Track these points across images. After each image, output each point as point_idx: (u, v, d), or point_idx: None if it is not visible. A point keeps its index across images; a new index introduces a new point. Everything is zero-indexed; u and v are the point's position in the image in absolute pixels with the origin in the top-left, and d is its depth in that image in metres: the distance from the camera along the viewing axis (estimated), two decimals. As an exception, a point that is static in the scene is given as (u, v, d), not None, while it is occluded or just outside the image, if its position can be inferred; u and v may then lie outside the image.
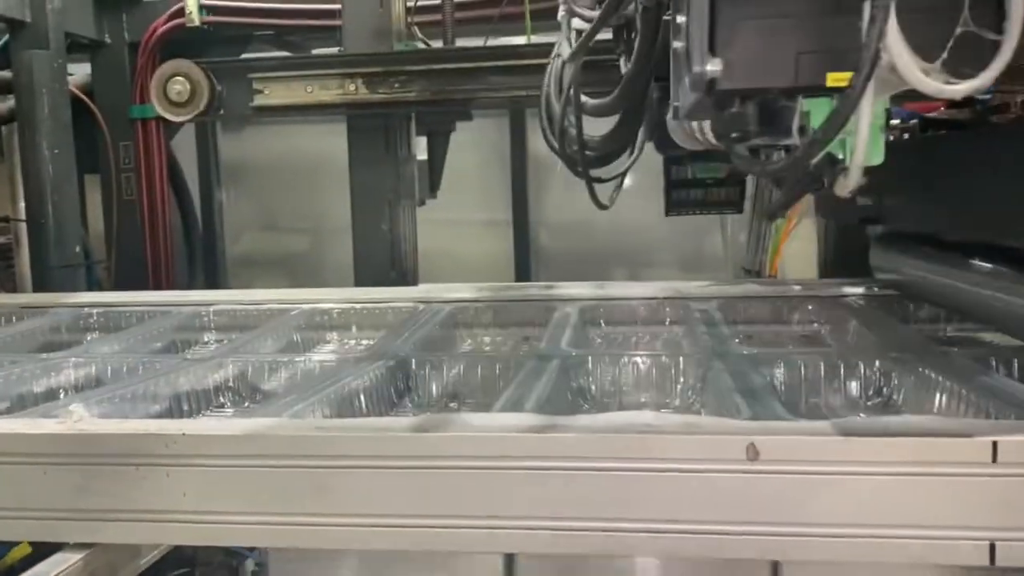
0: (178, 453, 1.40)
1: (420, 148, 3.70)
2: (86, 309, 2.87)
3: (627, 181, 2.60)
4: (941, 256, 2.17)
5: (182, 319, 2.71)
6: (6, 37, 3.80)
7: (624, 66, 1.92)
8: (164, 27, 4.06)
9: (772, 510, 1.25)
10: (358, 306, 2.73)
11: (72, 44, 3.98)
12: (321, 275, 4.92)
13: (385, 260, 3.53)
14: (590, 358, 2.02)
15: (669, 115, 1.66)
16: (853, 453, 1.23)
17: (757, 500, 1.25)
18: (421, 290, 3.00)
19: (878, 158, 1.14)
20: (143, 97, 4.13)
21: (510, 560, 1.44)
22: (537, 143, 4.36)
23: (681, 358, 1.99)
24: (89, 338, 2.69)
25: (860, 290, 2.59)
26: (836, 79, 1.08)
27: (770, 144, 1.24)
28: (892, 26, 1.01)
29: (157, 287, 4.20)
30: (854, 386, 1.89)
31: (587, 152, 2.25)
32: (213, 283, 4.95)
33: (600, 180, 2.41)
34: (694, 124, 1.72)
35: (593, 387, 1.99)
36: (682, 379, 1.96)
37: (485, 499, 1.34)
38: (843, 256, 3.17)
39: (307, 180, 5.08)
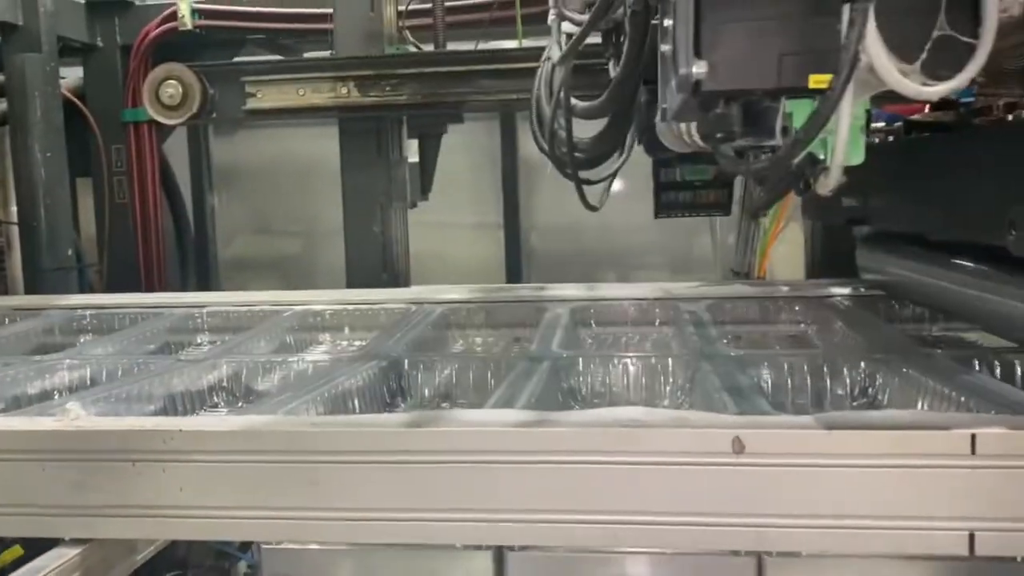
0: (175, 449, 1.42)
1: (412, 151, 3.72)
2: (79, 311, 2.88)
3: (617, 183, 2.63)
4: (926, 256, 2.21)
5: (175, 321, 2.73)
6: (-2, 40, 3.82)
7: (613, 69, 1.95)
8: (156, 31, 4.08)
9: (757, 502, 1.28)
10: (350, 307, 2.75)
11: (64, 47, 3.99)
12: (313, 278, 4.94)
13: (377, 262, 3.54)
14: (580, 359, 2.05)
15: (657, 117, 1.68)
16: (836, 446, 1.26)
17: (743, 492, 1.28)
18: (413, 292, 3.03)
19: (858, 157, 1.17)
20: (135, 100, 4.14)
21: (500, 555, 1.46)
22: (528, 146, 4.39)
23: (670, 359, 2.02)
24: (83, 340, 2.71)
25: (846, 291, 2.63)
26: (817, 81, 1.11)
27: (754, 144, 1.27)
28: (871, 29, 1.04)
29: (149, 290, 4.21)
30: (840, 386, 1.92)
31: (577, 154, 2.28)
32: (205, 286, 4.95)
33: (589, 182, 2.44)
34: (682, 126, 1.74)
35: (583, 387, 2.02)
36: (671, 379, 1.98)
37: (476, 493, 1.36)
38: (830, 257, 3.21)
39: (299, 183, 5.09)
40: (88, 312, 2.86)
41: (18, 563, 2.24)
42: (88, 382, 2.15)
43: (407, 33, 3.64)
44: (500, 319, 2.64)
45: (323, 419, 1.61)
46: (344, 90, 3.35)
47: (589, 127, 2.24)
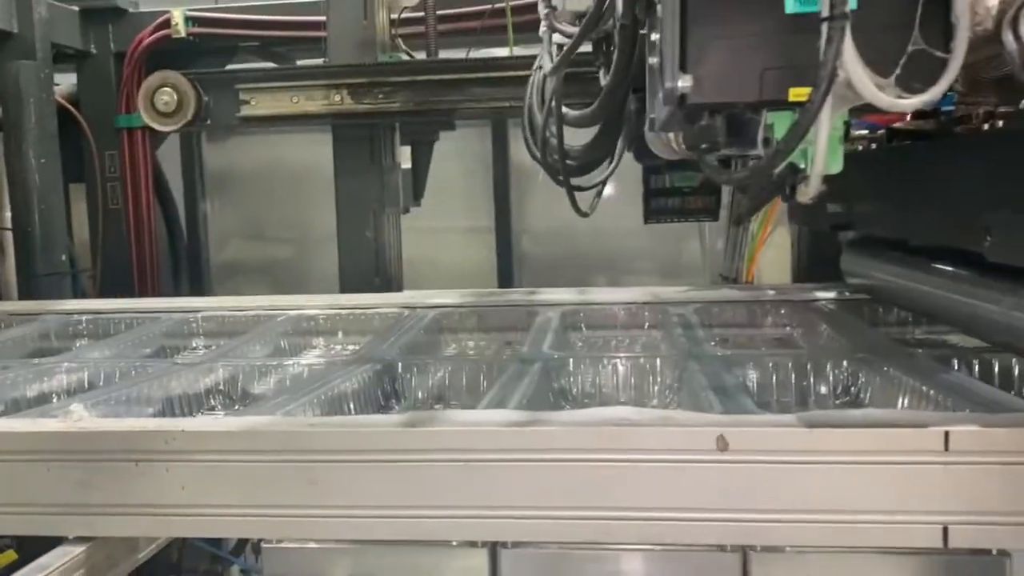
0: (177, 449, 1.46)
1: (404, 157, 3.75)
2: (75, 316, 2.91)
3: (608, 189, 2.68)
4: (908, 261, 2.26)
5: (171, 325, 2.76)
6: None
7: (603, 78, 2.00)
8: (150, 38, 4.10)
9: (742, 498, 1.33)
10: (344, 312, 2.78)
11: (58, 54, 4.02)
12: (306, 283, 4.96)
13: (370, 267, 3.57)
14: (571, 360, 2.09)
15: (646, 126, 1.73)
16: (816, 443, 1.31)
17: (727, 488, 1.33)
18: (406, 296, 3.05)
19: (837, 167, 1.22)
20: (129, 107, 4.17)
21: (494, 552, 1.50)
22: (519, 152, 4.45)
23: (658, 359, 2.06)
24: (79, 344, 2.74)
25: (831, 294, 2.67)
26: (797, 94, 1.16)
27: (738, 154, 1.32)
28: (848, 45, 1.09)
29: (142, 295, 4.24)
30: (823, 385, 1.97)
31: (568, 161, 2.32)
32: (198, 291, 4.97)
33: (580, 188, 2.48)
34: (670, 135, 1.79)
35: (574, 388, 2.06)
36: (659, 379, 2.03)
37: (470, 491, 1.40)
38: (816, 262, 3.26)
39: (291, 189, 5.12)
40: (84, 317, 2.89)
41: (12, 568, 2.27)
42: (86, 386, 2.18)
43: (400, 41, 3.68)
44: (492, 323, 2.68)
45: (321, 420, 1.65)
46: (337, 97, 3.38)
47: (580, 135, 2.29)
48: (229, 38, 4.07)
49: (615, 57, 1.68)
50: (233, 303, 2.98)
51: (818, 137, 1.15)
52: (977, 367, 1.91)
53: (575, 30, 1.81)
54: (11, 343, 2.64)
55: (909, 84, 1.16)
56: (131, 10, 4.31)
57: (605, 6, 1.63)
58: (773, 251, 3.68)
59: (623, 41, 1.60)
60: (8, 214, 4.07)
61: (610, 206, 3.16)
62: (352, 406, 1.93)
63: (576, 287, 3.02)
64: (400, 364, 2.15)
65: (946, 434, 1.27)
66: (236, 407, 2.12)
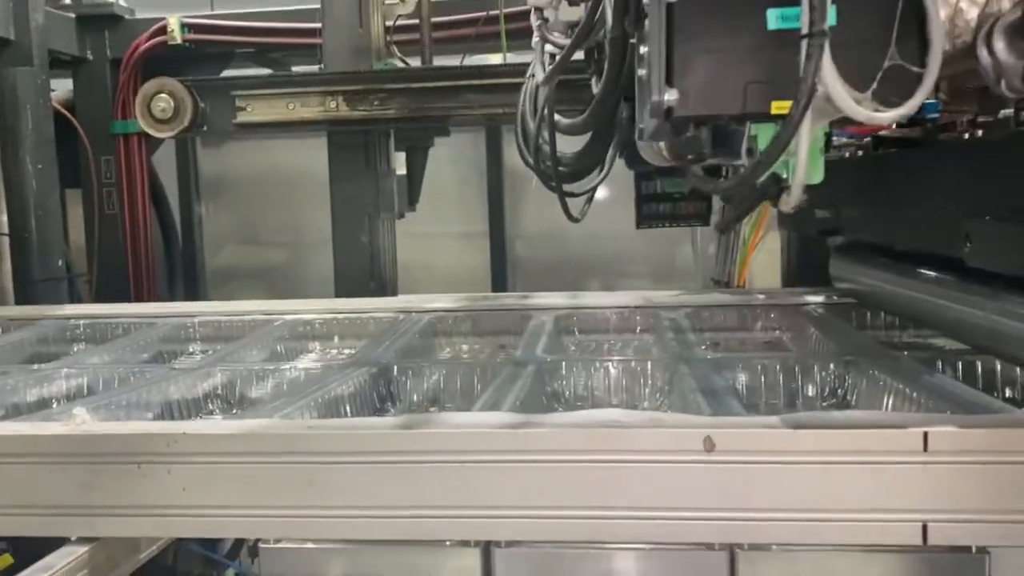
0: (179, 451, 1.49)
1: (399, 163, 3.78)
2: (72, 321, 2.93)
3: (601, 195, 2.71)
4: (894, 266, 2.30)
5: (168, 330, 2.78)
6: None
7: (595, 85, 2.03)
8: (146, 44, 4.15)
9: (728, 497, 1.37)
10: (340, 316, 2.81)
11: (54, 60, 4.05)
12: (301, 288, 4.98)
13: (365, 272, 3.60)
14: (564, 364, 2.12)
15: (636, 135, 1.77)
16: (800, 444, 1.35)
17: (713, 488, 1.36)
18: (401, 301, 3.08)
19: (818, 177, 1.26)
20: (125, 113, 4.21)
21: (488, 551, 1.53)
22: (513, 158, 4.47)
23: (649, 362, 2.09)
24: (76, 349, 2.76)
25: (820, 299, 2.72)
26: (779, 107, 1.20)
27: (723, 164, 1.36)
28: (827, 61, 1.14)
29: (138, 300, 4.27)
30: (811, 388, 2.01)
31: (561, 168, 2.36)
32: (193, 296, 5.01)
33: (573, 194, 2.52)
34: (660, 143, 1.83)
35: (567, 391, 2.09)
36: (650, 382, 2.06)
37: (465, 491, 1.44)
38: (805, 266, 3.30)
39: (287, 194, 5.16)
40: (82, 322, 2.91)
41: (9, 571, 2.29)
42: (85, 390, 2.20)
43: (394, 48, 3.71)
44: (486, 327, 2.72)
45: (319, 422, 1.68)
46: (333, 104, 3.41)
47: (573, 142, 2.32)
48: (225, 45, 4.11)
49: (606, 68, 1.72)
50: (229, 308, 3.01)
51: (799, 148, 1.19)
52: (961, 369, 1.95)
53: (567, 41, 1.85)
54: (9, 348, 2.66)
55: (886, 98, 1.20)
56: (127, 17, 4.35)
57: (596, 18, 1.67)
58: (765, 254, 3.72)
59: (613, 52, 1.64)
60: (5, 219, 4.10)
61: (603, 211, 3.21)
62: (348, 409, 1.96)
63: (569, 291, 3.06)
64: (395, 367, 2.18)
65: (925, 435, 1.32)
66: (234, 411, 2.14)
